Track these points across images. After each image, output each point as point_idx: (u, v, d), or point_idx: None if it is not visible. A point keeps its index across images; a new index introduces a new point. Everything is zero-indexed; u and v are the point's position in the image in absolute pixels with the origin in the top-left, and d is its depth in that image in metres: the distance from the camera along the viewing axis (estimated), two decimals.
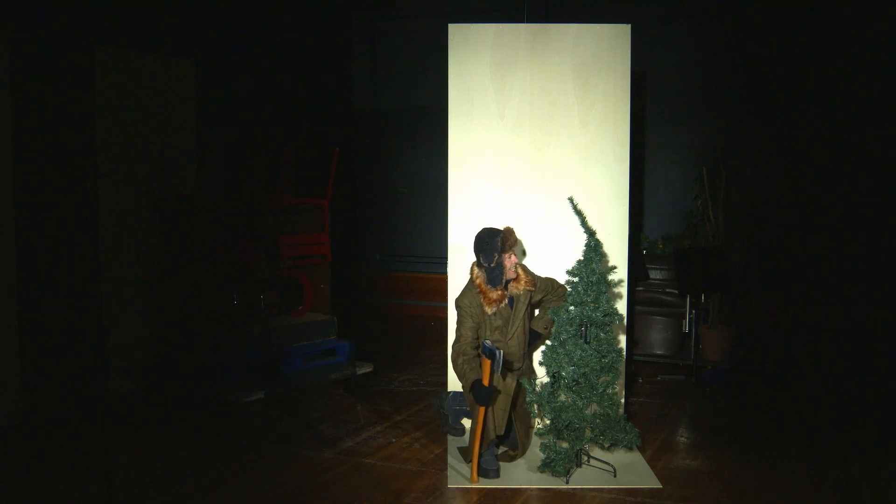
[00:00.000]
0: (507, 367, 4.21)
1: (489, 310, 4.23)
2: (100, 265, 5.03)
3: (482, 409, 4.00)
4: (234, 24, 7.09)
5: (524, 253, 4.83)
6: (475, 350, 4.22)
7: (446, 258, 4.90)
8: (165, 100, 5.82)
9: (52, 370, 5.05)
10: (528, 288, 4.30)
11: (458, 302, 4.31)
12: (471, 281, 4.30)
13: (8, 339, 4.80)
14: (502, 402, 4.08)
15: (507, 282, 4.26)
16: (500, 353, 3.94)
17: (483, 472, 4.05)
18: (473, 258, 4.35)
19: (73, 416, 4.94)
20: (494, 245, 4.15)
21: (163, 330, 5.62)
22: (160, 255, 5.65)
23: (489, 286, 4.21)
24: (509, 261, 4.21)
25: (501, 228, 4.23)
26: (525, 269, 4.37)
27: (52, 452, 4.41)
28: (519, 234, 4.80)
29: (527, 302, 4.35)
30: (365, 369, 5.81)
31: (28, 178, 4.93)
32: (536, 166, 4.84)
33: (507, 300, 4.28)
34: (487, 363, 3.95)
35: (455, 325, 4.34)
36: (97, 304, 3.98)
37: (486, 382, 3.97)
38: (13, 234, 4.82)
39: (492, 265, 4.18)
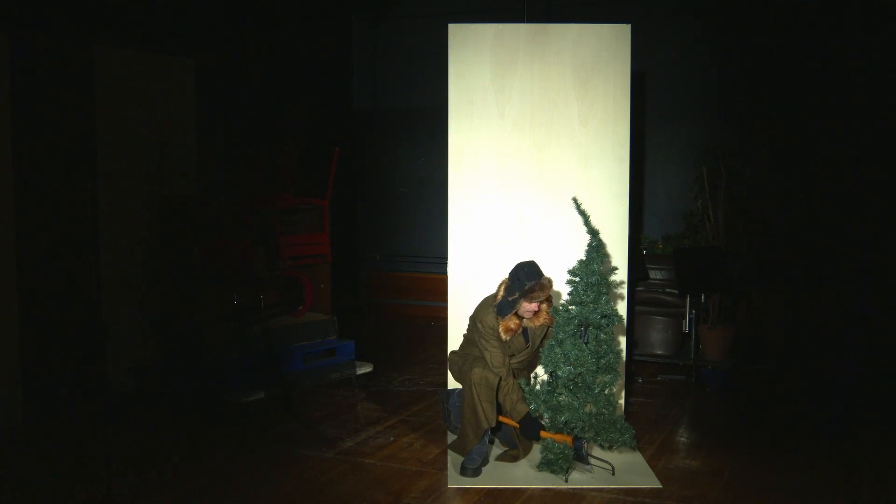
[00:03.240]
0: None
1: (505, 336, 4.20)
2: (100, 265, 5.03)
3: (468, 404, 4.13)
4: (233, 24, 7.09)
5: (559, 302, 4.66)
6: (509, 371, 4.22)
7: (446, 258, 4.90)
8: (165, 100, 5.82)
9: (52, 370, 5.05)
10: (545, 324, 4.29)
11: (482, 318, 4.21)
12: (493, 297, 4.24)
13: (8, 339, 4.80)
14: (487, 395, 4.08)
15: (522, 318, 4.25)
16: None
17: (462, 471, 4.06)
18: (473, 259, 4.34)
19: (73, 417, 4.94)
20: (521, 286, 4.08)
21: (163, 330, 5.62)
22: (160, 255, 5.65)
23: (500, 315, 4.17)
24: (525, 305, 4.13)
25: (544, 276, 4.13)
26: (551, 303, 4.34)
27: (52, 452, 4.40)
28: (519, 234, 4.82)
29: (542, 335, 4.35)
30: (365, 369, 5.81)
31: (28, 178, 4.93)
32: (536, 166, 4.83)
33: (521, 330, 4.26)
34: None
35: (481, 344, 4.22)
36: (97, 304, 3.98)
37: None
38: (13, 235, 4.82)
39: (509, 298, 4.13)
